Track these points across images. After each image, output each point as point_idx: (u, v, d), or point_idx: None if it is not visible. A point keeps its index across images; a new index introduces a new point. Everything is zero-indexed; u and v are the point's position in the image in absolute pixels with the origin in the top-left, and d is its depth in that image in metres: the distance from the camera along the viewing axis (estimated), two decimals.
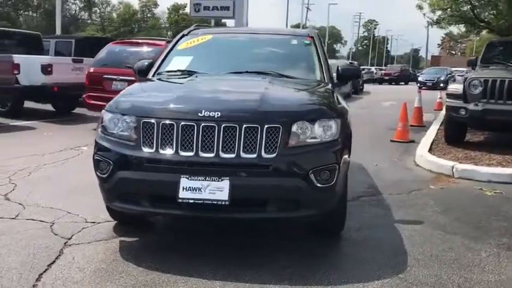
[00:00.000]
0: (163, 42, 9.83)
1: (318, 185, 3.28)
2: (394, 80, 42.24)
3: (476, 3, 16.82)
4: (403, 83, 42.54)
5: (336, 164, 3.35)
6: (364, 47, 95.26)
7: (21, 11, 70.31)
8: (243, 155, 3.20)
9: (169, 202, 3.25)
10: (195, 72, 4.38)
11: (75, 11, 78.66)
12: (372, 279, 3.18)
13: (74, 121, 10.98)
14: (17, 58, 10.24)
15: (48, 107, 12.29)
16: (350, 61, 27.80)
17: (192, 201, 3.18)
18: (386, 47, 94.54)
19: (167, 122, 3.27)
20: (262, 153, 3.21)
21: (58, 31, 19.82)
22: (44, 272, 3.17)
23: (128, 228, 4.02)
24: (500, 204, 5.17)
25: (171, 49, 4.85)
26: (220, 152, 3.20)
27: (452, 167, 6.51)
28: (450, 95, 8.32)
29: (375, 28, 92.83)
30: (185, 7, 66.85)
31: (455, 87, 8.37)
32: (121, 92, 3.86)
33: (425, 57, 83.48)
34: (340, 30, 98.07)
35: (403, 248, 3.77)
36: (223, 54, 4.83)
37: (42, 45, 12.66)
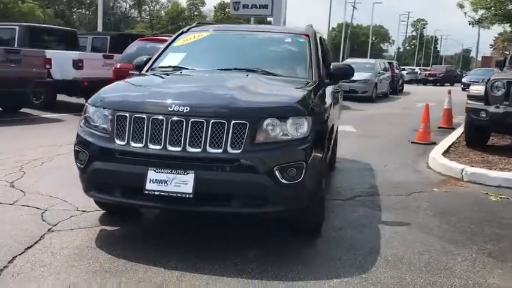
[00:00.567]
0: None
1: (284, 181, 3.30)
2: (439, 80, 41.08)
3: None
4: (448, 84, 41.27)
5: (303, 162, 3.36)
6: (412, 46, 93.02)
7: (75, 9, 73.12)
8: (209, 149, 3.27)
9: (137, 193, 3.36)
10: (185, 68, 4.48)
11: (126, 8, 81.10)
12: (332, 277, 3.18)
13: None
14: (49, 53, 10.71)
15: (82, 100, 12.76)
16: (388, 61, 27.22)
17: (157, 193, 3.27)
18: (435, 47, 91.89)
19: (139, 115, 3.38)
20: (228, 148, 3.26)
21: (99, 28, 20.55)
22: (19, 254, 3.34)
23: (113, 218, 4.17)
24: (501, 210, 5.00)
25: (168, 45, 4.97)
26: (187, 146, 3.28)
27: (462, 170, 6.33)
28: (471, 97, 8.08)
29: (424, 28, 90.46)
30: None
31: (477, 89, 8.11)
32: (105, 86, 4.00)
33: (475, 58, 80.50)
34: (388, 30, 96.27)
35: (378, 249, 3.73)
36: (215, 51, 4.91)
37: (77, 41, 13.16)
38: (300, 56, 4.66)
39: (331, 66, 4.63)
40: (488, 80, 7.87)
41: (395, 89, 24.99)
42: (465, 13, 19.04)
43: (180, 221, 4.27)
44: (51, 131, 8.88)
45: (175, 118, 3.31)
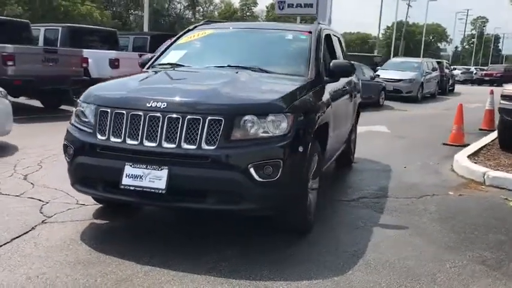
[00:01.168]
0: None
1: (259, 179, 3.25)
2: (496, 81, 39.02)
3: None
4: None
5: (280, 160, 3.29)
6: (471, 45, 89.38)
7: (131, 11, 75.44)
8: (184, 145, 3.27)
9: (115, 188, 3.41)
10: (182, 65, 4.51)
11: (180, 9, 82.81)
12: (302, 279, 3.10)
13: None
14: (87, 52, 11.10)
15: None
16: (438, 60, 26.26)
17: (133, 188, 3.31)
18: (496, 46, 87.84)
19: (119, 111, 3.43)
20: (203, 144, 3.25)
21: (145, 28, 21.06)
22: (4, 244, 3.48)
23: (107, 212, 4.26)
24: None
25: (172, 43, 5.02)
26: (163, 142, 3.30)
27: (484, 173, 6.00)
28: (505, 97, 7.66)
29: (484, 26, 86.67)
30: None
31: (511, 88, 7.67)
32: (99, 83, 4.09)
33: None
34: (446, 28, 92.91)
35: (363, 252, 3.60)
36: (214, 49, 4.90)
37: (117, 40, 13.57)
38: (300, 53, 4.56)
39: (331, 64, 4.51)
40: None
41: (445, 89, 24.06)
42: None
43: (171, 217, 4.31)
44: None
45: (152, 114, 3.33)
